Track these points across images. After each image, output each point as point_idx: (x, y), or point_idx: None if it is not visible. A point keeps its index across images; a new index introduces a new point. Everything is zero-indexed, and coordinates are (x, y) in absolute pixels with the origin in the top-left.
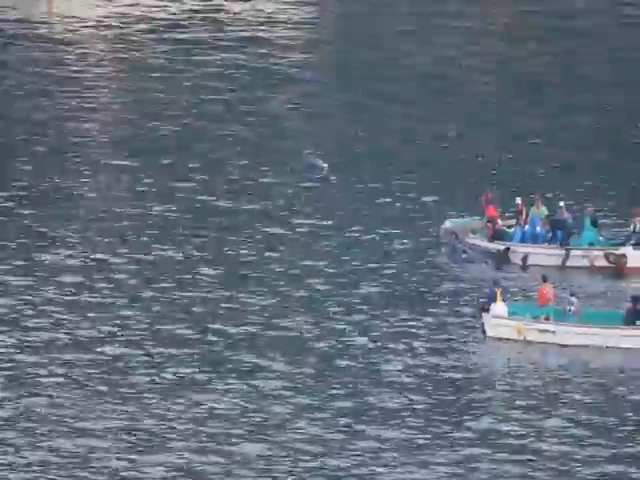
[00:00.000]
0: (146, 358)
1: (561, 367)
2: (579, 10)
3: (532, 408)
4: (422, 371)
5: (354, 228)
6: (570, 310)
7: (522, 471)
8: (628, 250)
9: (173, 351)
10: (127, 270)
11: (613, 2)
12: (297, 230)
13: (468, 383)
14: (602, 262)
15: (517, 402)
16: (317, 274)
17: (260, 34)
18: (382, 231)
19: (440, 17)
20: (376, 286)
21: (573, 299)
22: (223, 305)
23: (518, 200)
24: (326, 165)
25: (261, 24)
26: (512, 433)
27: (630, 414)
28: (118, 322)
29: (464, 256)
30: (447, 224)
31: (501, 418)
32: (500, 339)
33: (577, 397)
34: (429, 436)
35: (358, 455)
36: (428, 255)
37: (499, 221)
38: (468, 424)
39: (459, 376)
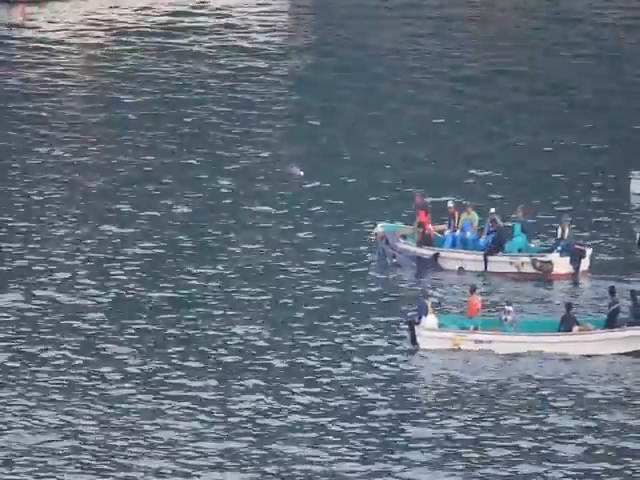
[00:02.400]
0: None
1: (498, 376)
2: None
3: (470, 416)
4: (349, 380)
5: (284, 232)
6: (506, 319)
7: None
8: (554, 257)
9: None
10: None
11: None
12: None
13: (400, 393)
14: (529, 268)
15: (453, 411)
16: (249, 279)
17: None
18: (313, 235)
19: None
20: (303, 292)
21: (509, 308)
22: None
23: (450, 204)
24: (302, 172)
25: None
26: (454, 438)
27: (567, 421)
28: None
29: (394, 260)
30: (379, 228)
31: (441, 425)
32: (433, 351)
33: (514, 405)
34: (364, 447)
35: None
36: (358, 259)
37: (429, 226)
38: (405, 434)
39: (391, 386)
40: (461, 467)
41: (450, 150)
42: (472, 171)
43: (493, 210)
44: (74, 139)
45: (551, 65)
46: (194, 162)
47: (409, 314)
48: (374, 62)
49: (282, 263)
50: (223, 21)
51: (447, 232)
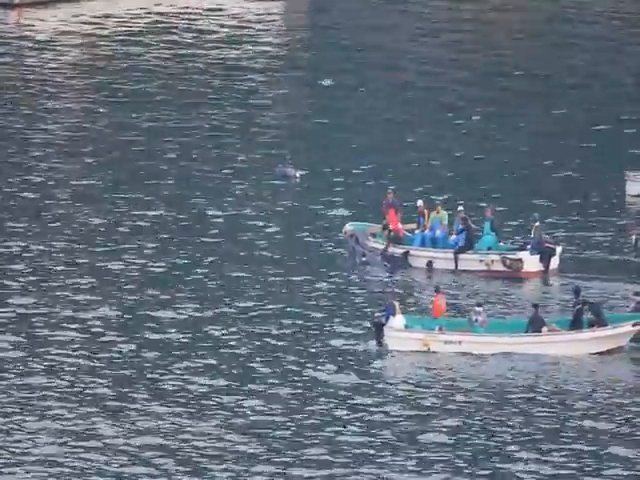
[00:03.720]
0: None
1: (468, 377)
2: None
3: (442, 417)
4: (314, 380)
5: (253, 229)
6: (477, 320)
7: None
8: (524, 255)
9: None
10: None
11: None
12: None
13: (370, 394)
14: (499, 266)
15: (424, 413)
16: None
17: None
18: (281, 235)
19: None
20: (273, 290)
21: (479, 309)
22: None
23: (420, 202)
24: (298, 173)
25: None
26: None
27: (537, 421)
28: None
29: (363, 259)
30: (348, 227)
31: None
32: (403, 351)
33: (481, 405)
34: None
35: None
36: (329, 257)
37: (399, 225)
38: (375, 434)
39: (360, 386)
40: (435, 468)
41: (444, 150)
42: (464, 171)
43: (461, 208)
44: (76, 135)
45: (548, 65)
46: (193, 162)
47: (376, 315)
48: (368, 61)
49: (254, 261)
50: (219, 19)
51: (417, 231)
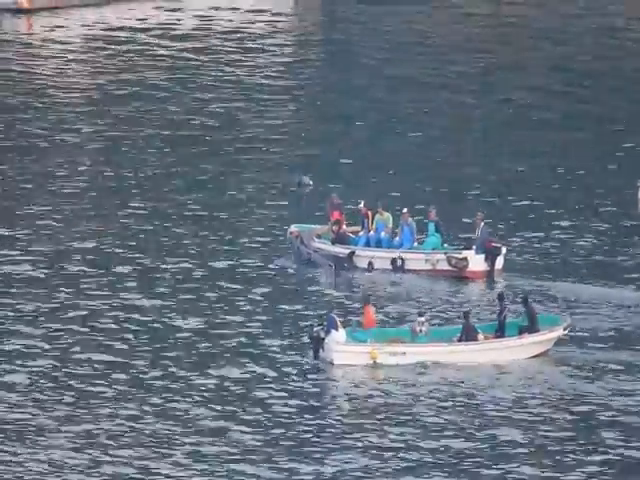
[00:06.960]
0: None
1: (412, 386)
2: None
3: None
4: (250, 387)
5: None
6: (421, 331)
7: None
8: (470, 254)
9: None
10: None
11: None
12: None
13: (310, 409)
14: (444, 265)
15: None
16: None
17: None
18: (228, 237)
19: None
20: (211, 292)
21: (422, 319)
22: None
23: (361, 205)
24: (311, 182)
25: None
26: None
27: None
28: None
29: (309, 258)
30: (293, 228)
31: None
32: (347, 365)
33: (421, 414)
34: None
35: None
36: (273, 259)
37: (343, 226)
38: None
39: (300, 402)
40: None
41: (452, 157)
42: (469, 184)
43: (405, 210)
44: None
45: (558, 71)
46: (202, 166)
47: (315, 329)
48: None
49: (194, 256)
50: (231, 24)
51: (361, 233)
